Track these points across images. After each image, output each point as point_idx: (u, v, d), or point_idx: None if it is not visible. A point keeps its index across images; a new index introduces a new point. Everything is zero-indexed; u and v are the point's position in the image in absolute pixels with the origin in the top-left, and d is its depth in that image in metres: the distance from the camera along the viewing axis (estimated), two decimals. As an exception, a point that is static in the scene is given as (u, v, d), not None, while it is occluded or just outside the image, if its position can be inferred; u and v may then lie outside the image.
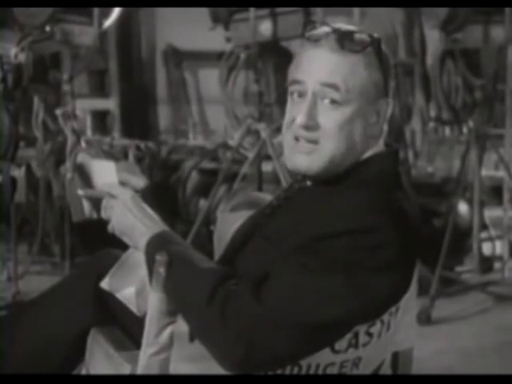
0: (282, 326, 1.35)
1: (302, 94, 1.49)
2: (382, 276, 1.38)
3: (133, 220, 1.53)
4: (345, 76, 1.46)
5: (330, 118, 1.46)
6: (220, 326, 1.35)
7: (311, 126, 1.47)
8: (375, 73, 1.48)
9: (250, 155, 4.20)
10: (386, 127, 1.53)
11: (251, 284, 1.37)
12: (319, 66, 1.47)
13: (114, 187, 1.60)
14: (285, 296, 1.36)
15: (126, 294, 1.60)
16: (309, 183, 1.55)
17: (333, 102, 1.46)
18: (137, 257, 1.56)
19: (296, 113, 1.48)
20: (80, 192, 1.62)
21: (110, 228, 1.56)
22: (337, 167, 1.49)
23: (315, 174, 1.50)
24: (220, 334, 1.35)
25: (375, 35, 1.50)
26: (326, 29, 1.49)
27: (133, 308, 1.59)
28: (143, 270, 1.51)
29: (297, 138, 1.49)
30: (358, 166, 1.50)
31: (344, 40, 1.46)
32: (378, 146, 1.53)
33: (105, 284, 1.64)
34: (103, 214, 1.58)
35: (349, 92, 1.46)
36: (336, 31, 1.47)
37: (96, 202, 1.61)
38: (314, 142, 1.47)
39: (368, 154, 1.52)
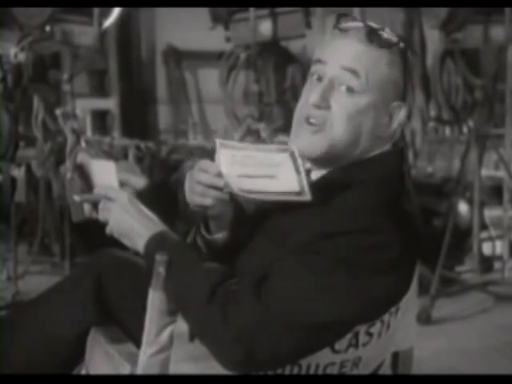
0: (282, 326, 1.35)
1: (321, 78, 1.50)
2: (382, 276, 1.38)
3: (131, 221, 1.52)
4: (367, 66, 1.47)
5: (342, 104, 1.47)
6: (220, 326, 1.35)
7: (322, 105, 1.47)
8: (396, 72, 1.50)
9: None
10: (398, 132, 1.54)
11: (252, 283, 1.37)
12: (344, 52, 1.49)
13: (109, 189, 1.59)
14: (285, 296, 1.35)
15: None
16: (312, 180, 1.55)
17: (349, 89, 1.47)
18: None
19: (311, 94, 1.49)
20: (76, 197, 1.61)
21: (107, 230, 1.56)
22: (337, 156, 1.49)
23: (315, 157, 1.50)
24: (220, 334, 1.35)
25: (404, 37, 1.51)
26: (357, 23, 1.51)
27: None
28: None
29: (307, 118, 1.49)
30: (361, 164, 1.50)
31: (373, 34, 1.48)
32: (384, 147, 1.53)
33: None
34: (100, 217, 1.58)
35: (367, 83, 1.47)
36: (367, 26, 1.50)
37: (95, 202, 1.61)
38: (323, 122, 1.47)
39: (373, 153, 1.52)
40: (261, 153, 1.47)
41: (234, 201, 1.59)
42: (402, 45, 1.50)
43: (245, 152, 1.48)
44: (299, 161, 1.44)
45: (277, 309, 1.34)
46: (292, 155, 1.44)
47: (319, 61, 1.51)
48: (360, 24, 1.50)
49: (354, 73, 1.46)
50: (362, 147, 1.50)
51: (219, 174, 1.49)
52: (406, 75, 1.51)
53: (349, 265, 1.36)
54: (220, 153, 1.49)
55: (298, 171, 1.44)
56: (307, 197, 1.44)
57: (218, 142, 1.50)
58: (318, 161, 1.51)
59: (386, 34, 1.49)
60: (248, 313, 1.34)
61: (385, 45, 1.48)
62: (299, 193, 1.44)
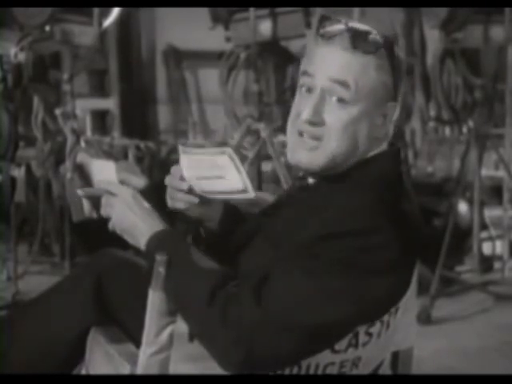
0: (282, 329, 1.34)
1: (310, 89, 1.48)
2: (382, 277, 1.38)
3: (133, 218, 1.52)
4: (355, 75, 1.45)
5: (336, 116, 1.46)
6: (220, 328, 1.35)
7: (316, 121, 1.46)
8: (385, 75, 1.48)
9: (250, 155, 4.20)
10: (391, 130, 1.53)
11: (252, 286, 1.37)
12: (331, 63, 1.46)
13: (113, 185, 1.59)
14: (285, 298, 1.35)
15: None
16: (310, 181, 1.55)
17: (340, 100, 1.46)
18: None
19: (303, 107, 1.48)
20: (79, 192, 1.62)
21: (110, 226, 1.56)
22: (338, 166, 1.49)
23: (316, 171, 1.50)
24: (220, 336, 1.35)
25: (389, 37, 1.49)
26: (340, 26, 1.48)
27: None
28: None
29: (301, 134, 1.48)
30: (359, 165, 1.50)
31: (357, 40, 1.45)
32: (381, 147, 1.53)
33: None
34: (103, 212, 1.58)
35: (358, 92, 1.45)
36: (350, 30, 1.46)
37: (96, 202, 1.61)
38: (318, 138, 1.47)
39: (370, 154, 1.51)
40: (207, 156, 1.54)
41: (224, 203, 1.63)
42: (387, 46, 1.48)
43: (196, 156, 1.56)
44: (237, 161, 1.48)
45: (277, 311, 1.34)
46: (230, 156, 1.48)
47: (306, 73, 1.49)
48: (343, 27, 1.47)
49: (344, 84, 1.45)
50: (360, 151, 1.49)
51: (182, 178, 1.57)
52: (396, 75, 1.50)
53: (348, 266, 1.35)
54: (181, 158, 1.57)
55: (238, 171, 1.50)
56: (251, 194, 1.50)
57: (180, 147, 1.57)
58: (319, 173, 1.51)
59: (371, 37, 1.46)
60: (248, 315, 1.34)
61: (370, 50, 1.46)
62: (243, 191, 1.51)
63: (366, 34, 1.47)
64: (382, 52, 1.47)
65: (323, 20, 1.50)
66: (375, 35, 1.47)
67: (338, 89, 1.45)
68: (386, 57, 1.48)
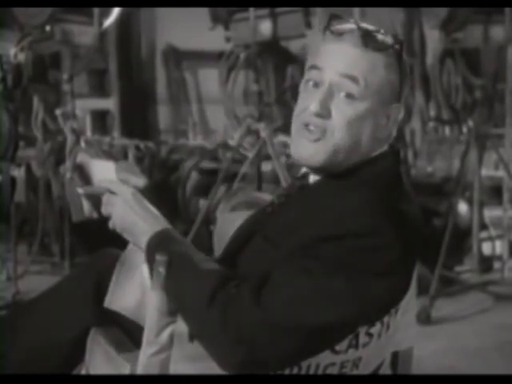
0: (282, 329, 1.34)
1: (318, 84, 1.49)
2: (382, 278, 1.37)
3: (134, 217, 1.52)
4: (364, 71, 1.46)
5: (343, 111, 1.46)
6: (220, 329, 1.35)
7: (323, 114, 1.46)
8: (393, 75, 1.49)
9: (250, 155, 4.20)
10: (394, 132, 1.53)
11: (252, 286, 1.37)
12: (340, 58, 1.47)
13: (113, 183, 1.59)
14: (285, 299, 1.35)
15: (129, 308, 1.59)
16: (310, 181, 1.55)
17: (349, 95, 1.46)
18: (131, 263, 1.56)
19: (310, 101, 1.48)
20: (79, 190, 1.62)
21: (110, 224, 1.56)
22: (339, 163, 1.49)
23: (317, 166, 1.50)
24: (220, 336, 1.35)
25: (399, 38, 1.50)
26: (350, 25, 1.49)
27: (138, 320, 1.57)
28: (139, 278, 1.51)
29: (307, 125, 1.48)
30: (359, 165, 1.50)
31: (367, 37, 1.47)
32: (382, 148, 1.53)
33: (108, 303, 1.62)
34: (103, 210, 1.58)
35: (366, 88, 1.46)
36: (361, 28, 1.48)
37: (96, 202, 1.61)
38: (323, 130, 1.47)
39: (371, 155, 1.51)
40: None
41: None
42: (396, 46, 1.49)
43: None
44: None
45: (277, 313, 1.34)
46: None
47: (315, 67, 1.50)
48: (353, 26, 1.48)
49: (353, 79, 1.46)
50: (362, 150, 1.50)
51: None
52: (402, 76, 1.51)
53: (348, 267, 1.35)
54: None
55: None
56: None
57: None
58: (320, 169, 1.51)
59: (381, 36, 1.48)
60: (248, 316, 1.34)
61: (380, 48, 1.47)
62: None
63: (376, 32, 1.48)
64: (391, 51, 1.48)
65: (332, 19, 1.51)
66: (385, 35, 1.49)
67: (347, 84, 1.46)
68: (395, 57, 1.49)
